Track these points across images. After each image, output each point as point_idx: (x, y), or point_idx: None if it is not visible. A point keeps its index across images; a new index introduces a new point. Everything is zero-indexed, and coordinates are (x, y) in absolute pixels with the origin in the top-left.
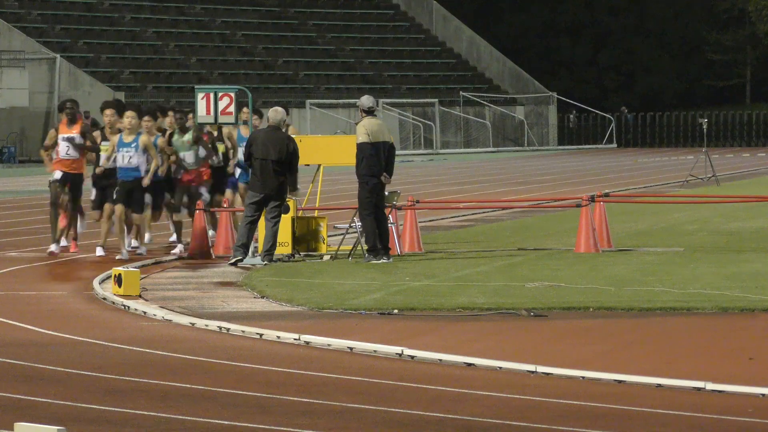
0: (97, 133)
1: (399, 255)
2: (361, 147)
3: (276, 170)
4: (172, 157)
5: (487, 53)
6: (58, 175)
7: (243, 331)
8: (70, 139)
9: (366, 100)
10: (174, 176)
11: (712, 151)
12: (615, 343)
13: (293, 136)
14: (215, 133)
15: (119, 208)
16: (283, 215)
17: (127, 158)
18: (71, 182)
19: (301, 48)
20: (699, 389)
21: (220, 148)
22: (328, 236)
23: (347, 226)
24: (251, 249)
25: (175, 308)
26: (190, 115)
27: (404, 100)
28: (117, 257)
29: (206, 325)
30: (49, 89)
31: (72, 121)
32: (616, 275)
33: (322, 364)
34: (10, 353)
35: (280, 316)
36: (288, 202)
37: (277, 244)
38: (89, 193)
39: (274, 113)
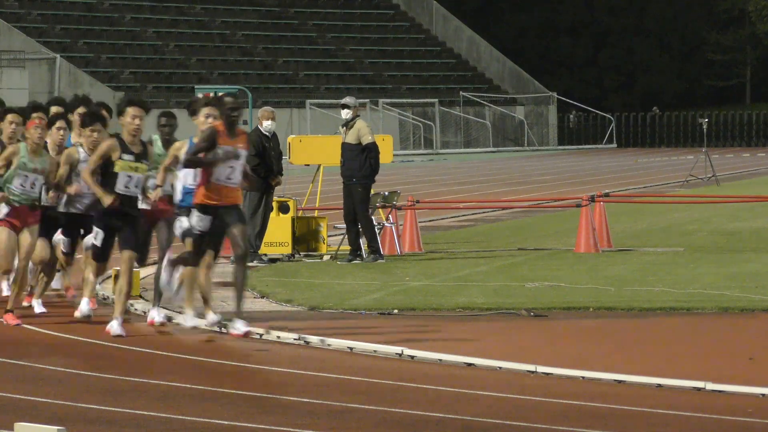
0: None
1: (399, 255)
2: (372, 147)
3: None
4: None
5: (487, 53)
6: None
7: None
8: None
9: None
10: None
11: (712, 151)
12: (615, 343)
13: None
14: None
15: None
16: (282, 215)
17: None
18: None
19: (301, 48)
20: (699, 389)
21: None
22: (328, 236)
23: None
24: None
25: (175, 308)
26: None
27: (404, 100)
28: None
29: (206, 325)
30: (49, 89)
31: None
32: (616, 275)
33: (322, 364)
34: (10, 353)
35: (280, 316)
36: (288, 202)
37: (276, 244)
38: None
39: None
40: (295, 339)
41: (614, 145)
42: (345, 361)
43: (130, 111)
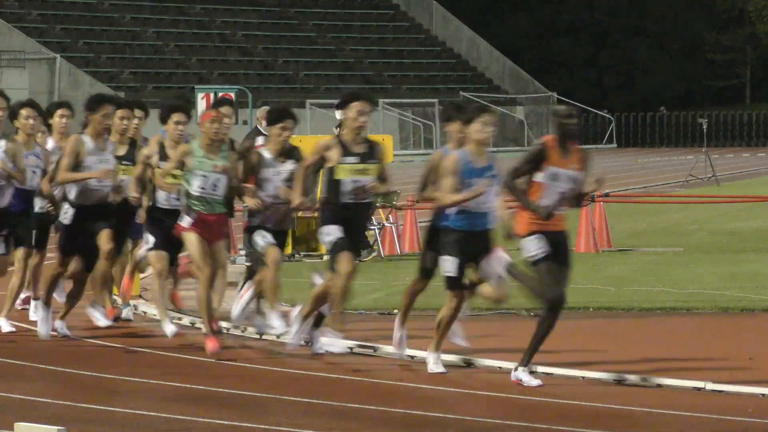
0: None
1: (399, 255)
2: None
3: None
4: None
5: (487, 53)
6: None
7: (243, 331)
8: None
9: None
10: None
11: (712, 151)
12: (615, 343)
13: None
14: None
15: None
16: None
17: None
18: None
19: (301, 48)
20: (699, 389)
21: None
22: None
23: None
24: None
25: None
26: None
27: (404, 100)
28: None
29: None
30: (49, 89)
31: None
32: (616, 275)
33: (322, 365)
34: (11, 353)
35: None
36: None
37: None
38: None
39: None
40: None
41: (614, 145)
42: (345, 361)
43: (356, 106)
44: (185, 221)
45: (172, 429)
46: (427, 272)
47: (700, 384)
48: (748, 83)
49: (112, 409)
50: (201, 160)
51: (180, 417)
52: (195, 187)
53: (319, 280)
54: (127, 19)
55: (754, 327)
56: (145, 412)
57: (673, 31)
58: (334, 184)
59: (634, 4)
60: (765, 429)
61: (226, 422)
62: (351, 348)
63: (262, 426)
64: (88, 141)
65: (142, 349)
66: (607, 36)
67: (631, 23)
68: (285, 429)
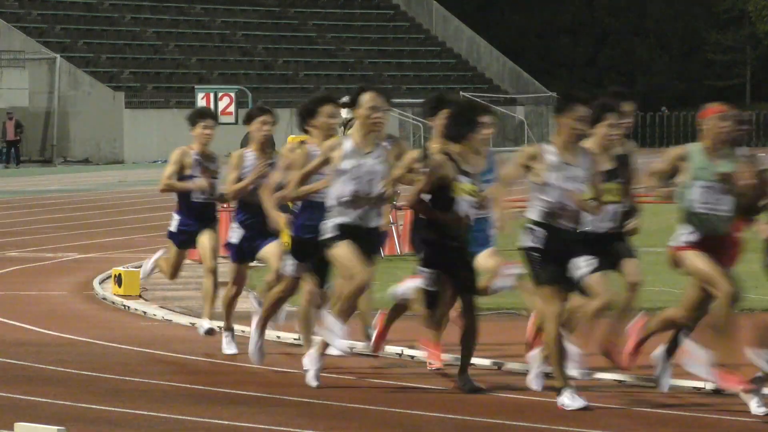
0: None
1: (399, 255)
2: None
3: None
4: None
5: (487, 53)
6: None
7: (243, 331)
8: None
9: None
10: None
11: None
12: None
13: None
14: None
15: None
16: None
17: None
18: None
19: (301, 48)
20: (699, 389)
21: None
22: None
23: None
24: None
25: (175, 308)
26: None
27: (404, 100)
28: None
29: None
30: (49, 89)
31: None
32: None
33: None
34: (10, 353)
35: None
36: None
37: None
38: None
39: None
40: (295, 339)
41: None
42: (345, 361)
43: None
44: (682, 239)
45: (172, 429)
46: None
47: (700, 384)
48: (748, 83)
49: (112, 409)
50: (703, 166)
51: (180, 417)
52: (696, 201)
53: None
54: (127, 19)
55: (754, 327)
56: (145, 412)
57: (673, 31)
58: None
59: (634, 4)
60: (765, 429)
61: (226, 422)
62: (351, 348)
63: (262, 426)
64: (552, 152)
65: (143, 350)
66: (607, 36)
67: (631, 23)
68: (285, 429)
